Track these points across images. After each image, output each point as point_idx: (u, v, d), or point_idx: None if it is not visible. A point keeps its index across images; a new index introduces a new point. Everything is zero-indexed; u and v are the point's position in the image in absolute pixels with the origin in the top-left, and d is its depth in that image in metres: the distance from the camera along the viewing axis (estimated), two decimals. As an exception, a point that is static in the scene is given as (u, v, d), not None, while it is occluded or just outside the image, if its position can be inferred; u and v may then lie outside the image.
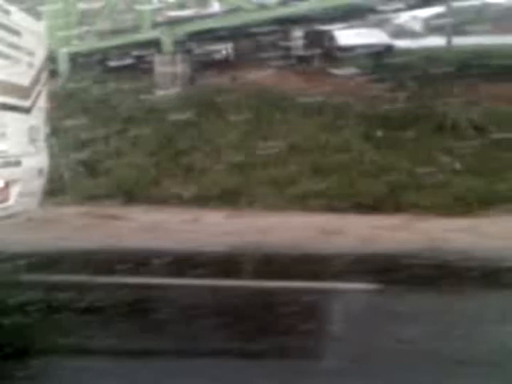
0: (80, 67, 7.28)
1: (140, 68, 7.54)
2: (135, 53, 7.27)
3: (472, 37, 12.07)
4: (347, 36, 11.64)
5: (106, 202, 5.79)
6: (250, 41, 9.02)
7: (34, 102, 4.33)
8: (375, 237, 5.34)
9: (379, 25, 15.26)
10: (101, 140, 6.21)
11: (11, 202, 3.93)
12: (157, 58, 8.92)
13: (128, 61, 6.09)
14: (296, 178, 6.93)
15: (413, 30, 17.50)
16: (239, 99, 7.72)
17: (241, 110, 7.35)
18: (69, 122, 5.15)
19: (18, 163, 4.01)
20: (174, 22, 8.93)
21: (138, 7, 8.41)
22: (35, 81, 4.34)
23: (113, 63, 6.58)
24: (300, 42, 10.23)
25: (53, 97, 4.32)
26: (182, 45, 8.57)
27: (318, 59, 9.35)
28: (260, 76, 8.11)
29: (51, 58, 4.95)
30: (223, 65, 9.43)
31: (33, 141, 4.30)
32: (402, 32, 16.31)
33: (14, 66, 3.99)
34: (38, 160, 4.36)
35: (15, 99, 4.01)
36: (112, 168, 6.57)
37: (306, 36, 10.69)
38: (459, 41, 12.21)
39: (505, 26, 12.52)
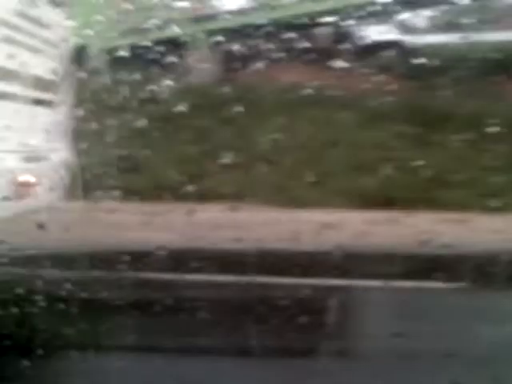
0: (113, 63, 7.24)
1: (172, 64, 7.50)
2: (167, 48, 7.28)
3: (479, 33, 11.91)
4: (370, 33, 11.65)
5: (145, 199, 5.71)
6: (275, 37, 9.04)
7: (59, 96, 4.29)
8: (438, 232, 5.14)
9: (385, 21, 15.14)
10: (138, 135, 6.16)
11: (38, 197, 3.90)
12: (189, 54, 8.94)
13: (160, 57, 6.06)
14: (334, 175, 6.84)
15: (416, 27, 17.39)
16: (270, 95, 7.63)
17: (273, 106, 7.26)
18: (104, 118, 5.08)
19: (45, 158, 3.98)
20: (205, 18, 8.99)
21: (170, 3, 8.45)
22: (60, 74, 4.29)
23: (144, 59, 6.54)
24: (324, 39, 10.23)
25: (88, 92, 4.27)
26: (213, 41, 8.64)
27: (343, 56, 9.34)
28: (287, 72, 8.07)
29: (86, 53, 4.92)
30: (251, 61, 9.41)
31: (58, 135, 4.26)
32: (406, 28, 16.19)
33: (41, 60, 3.95)
34: (62, 155, 4.32)
35: (43, 93, 3.98)
36: (150, 164, 6.49)
37: (330, 33, 10.64)
38: (464, 38, 12.05)
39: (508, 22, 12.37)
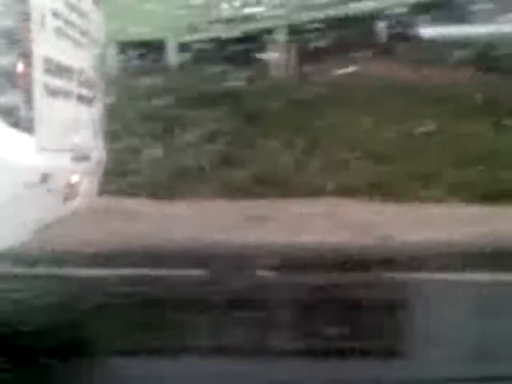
0: (191, 57, 6.97)
1: (252, 58, 7.28)
2: (246, 43, 7.05)
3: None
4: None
5: (247, 195, 5.57)
6: (349, 32, 9.03)
7: (96, 93, 4.11)
8: None
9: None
10: (225, 131, 5.95)
11: (80, 196, 3.74)
12: (270, 48, 8.74)
13: (240, 51, 5.88)
14: (439, 169, 6.77)
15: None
16: (357, 89, 7.54)
17: (363, 101, 7.17)
18: (189, 113, 4.87)
19: (87, 157, 3.80)
20: (285, 13, 8.82)
21: None
22: (97, 70, 4.12)
23: (227, 53, 6.29)
24: (385, 34, 10.15)
25: (166, 88, 4.07)
26: (294, 34, 8.55)
27: (411, 51, 9.34)
28: (366, 67, 7.98)
29: (161, 48, 4.73)
30: (327, 55, 9.30)
31: (96, 134, 4.09)
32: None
33: (84, 54, 3.77)
34: (99, 154, 4.16)
35: (84, 89, 3.79)
36: (246, 160, 6.30)
37: (392, 28, 10.51)
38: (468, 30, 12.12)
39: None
